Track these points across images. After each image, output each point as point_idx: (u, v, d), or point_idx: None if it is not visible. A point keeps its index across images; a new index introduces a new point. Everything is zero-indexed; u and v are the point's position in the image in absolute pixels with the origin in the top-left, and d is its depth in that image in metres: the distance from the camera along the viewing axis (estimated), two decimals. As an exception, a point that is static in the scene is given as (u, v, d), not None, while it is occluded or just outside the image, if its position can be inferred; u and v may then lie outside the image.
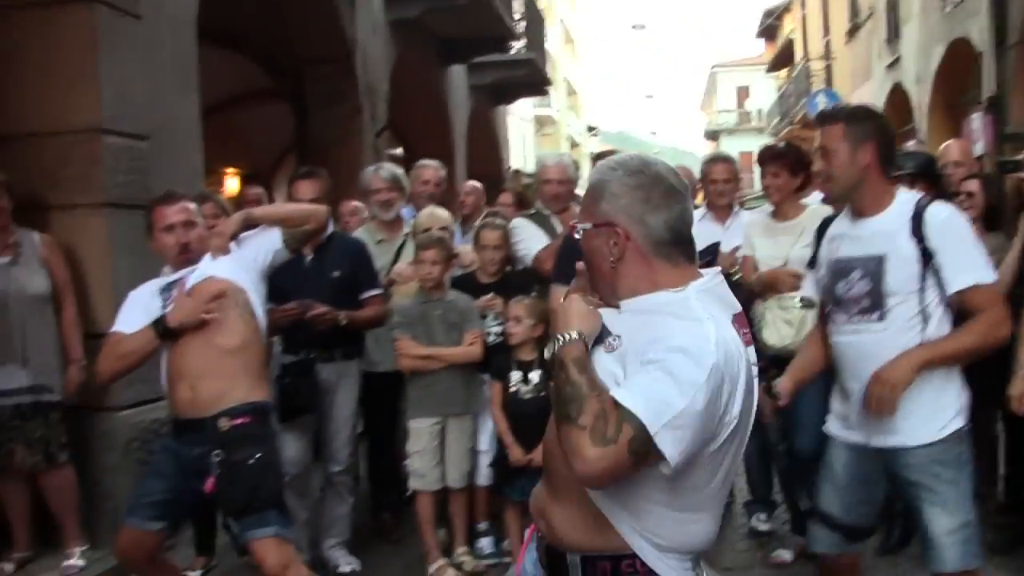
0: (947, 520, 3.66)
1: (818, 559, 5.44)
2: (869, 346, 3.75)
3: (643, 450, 2.11)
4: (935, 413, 3.68)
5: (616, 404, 2.12)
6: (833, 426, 4.00)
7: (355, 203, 7.66)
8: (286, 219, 4.85)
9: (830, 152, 3.78)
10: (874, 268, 3.72)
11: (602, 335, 2.37)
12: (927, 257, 3.64)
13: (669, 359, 2.15)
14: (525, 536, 2.69)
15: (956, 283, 3.63)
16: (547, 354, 2.31)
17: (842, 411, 3.95)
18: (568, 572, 2.36)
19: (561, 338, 2.28)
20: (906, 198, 3.79)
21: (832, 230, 4.01)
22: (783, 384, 4.04)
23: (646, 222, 2.35)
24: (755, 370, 2.35)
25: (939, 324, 3.70)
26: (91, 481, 6.07)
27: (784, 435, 3.97)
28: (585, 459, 2.11)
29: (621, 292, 2.39)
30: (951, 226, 3.69)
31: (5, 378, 5.66)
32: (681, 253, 2.39)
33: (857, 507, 3.92)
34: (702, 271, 2.41)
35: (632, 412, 2.10)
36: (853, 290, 3.78)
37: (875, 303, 3.73)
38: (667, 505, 2.28)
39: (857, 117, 3.81)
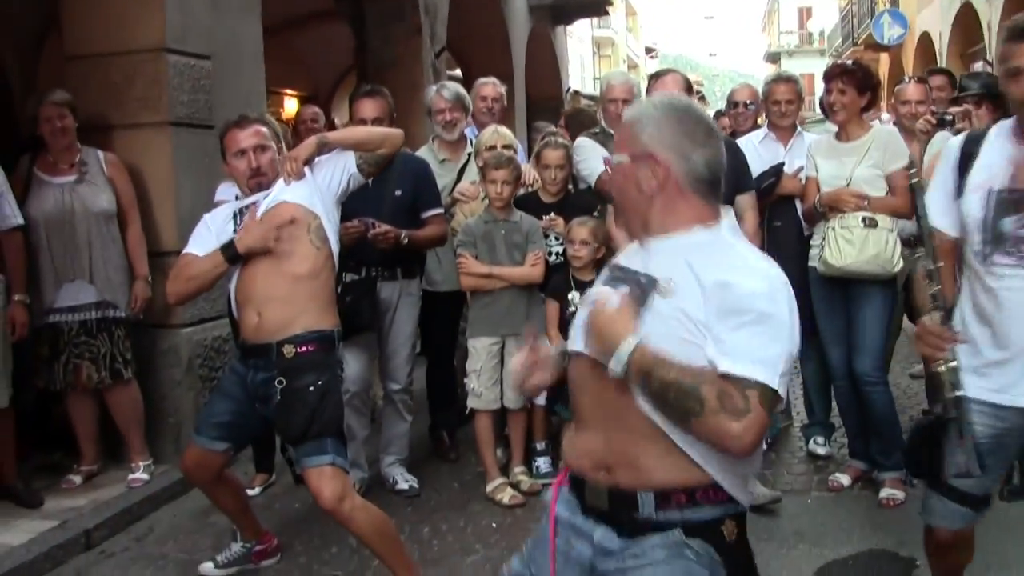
0: None
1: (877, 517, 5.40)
2: None
3: (773, 404, 2.24)
4: None
5: (727, 376, 2.21)
6: (973, 387, 3.27)
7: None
8: (361, 143, 4.76)
9: None
10: None
11: (648, 285, 2.37)
12: None
13: (753, 312, 2.24)
14: (551, 490, 2.64)
15: None
16: (615, 368, 2.29)
17: (989, 368, 3.30)
18: (638, 510, 2.35)
19: (625, 353, 2.28)
20: None
21: (990, 153, 3.36)
22: None
23: (688, 157, 2.41)
24: None
25: None
26: (154, 397, 6.19)
27: None
28: (734, 436, 2.19)
29: (652, 228, 2.44)
30: None
31: (73, 294, 5.76)
32: (713, 193, 2.45)
33: (992, 473, 3.35)
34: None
35: (749, 378, 2.20)
36: None
37: None
38: None
39: None
